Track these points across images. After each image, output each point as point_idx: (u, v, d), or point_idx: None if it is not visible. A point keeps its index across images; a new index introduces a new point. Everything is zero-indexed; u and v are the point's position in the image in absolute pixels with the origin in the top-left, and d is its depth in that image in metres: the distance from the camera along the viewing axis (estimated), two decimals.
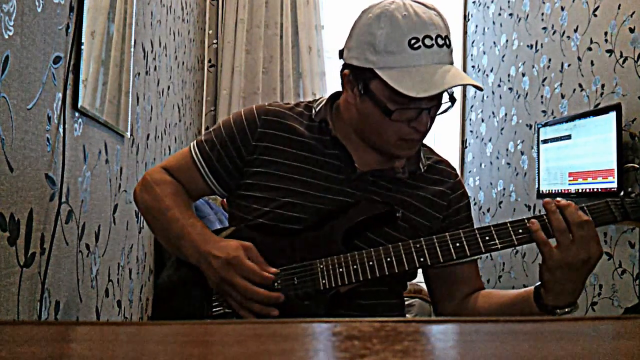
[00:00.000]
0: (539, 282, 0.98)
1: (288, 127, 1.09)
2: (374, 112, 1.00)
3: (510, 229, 0.95)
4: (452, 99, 1.03)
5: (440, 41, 0.97)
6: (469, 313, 1.10)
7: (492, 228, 0.96)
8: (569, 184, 2.74)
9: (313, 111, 1.11)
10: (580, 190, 2.63)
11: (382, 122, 1.00)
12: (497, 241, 0.95)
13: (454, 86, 0.96)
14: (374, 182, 1.08)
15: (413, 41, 0.95)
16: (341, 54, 1.07)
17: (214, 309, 1.02)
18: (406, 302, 1.98)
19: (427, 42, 0.95)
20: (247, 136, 1.08)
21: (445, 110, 1.04)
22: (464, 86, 4.33)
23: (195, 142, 1.14)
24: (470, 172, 4.25)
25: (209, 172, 1.11)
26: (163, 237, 1.10)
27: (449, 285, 1.14)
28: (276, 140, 1.08)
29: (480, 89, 0.99)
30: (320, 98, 1.15)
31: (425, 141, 1.23)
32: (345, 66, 1.05)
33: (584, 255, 0.91)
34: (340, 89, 1.12)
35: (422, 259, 0.96)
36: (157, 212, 1.09)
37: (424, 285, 1.29)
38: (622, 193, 0.98)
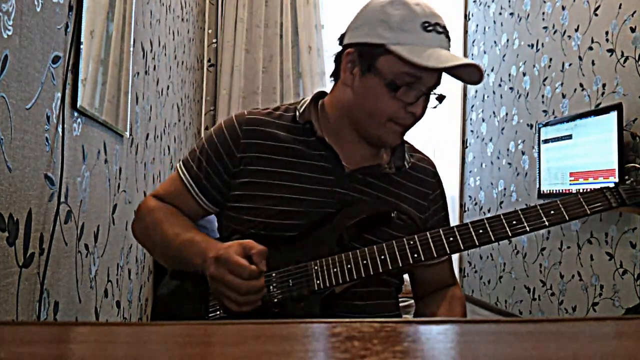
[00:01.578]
0: None
1: (270, 134, 1.08)
2: (376, 90, 1.01)
3: (504, 221, 0.94)
4: (441, 97, 1.06)
5: (447, 32, 1.03)
6: (427, 309, 1.16)
7: (485, 221, 0.95)
8: (570, 184, 2.74)
9: (297, 113, 1.10)
10: (581, 190, 2.63)
11: (381, 99, 1.02)
12: (490, 234, 0.94)
13: (467, 63, 1.00)
14: (363, 180, 1.08)
15: (426, 24, 1.00)
16: (341, 39, 1.08)
17: (210, 314, 1.02)
18: (406, 303, 1.98)
19: (439, 28, 1.01)
20: (231, 149, 1.07)
21: (435, 107, 1.07)
22: (464, 86, 4.33)
23: (181, 162, 1.13)
24: (470, 172, 4.24)
25: (199, 192, 1.10)
26: (167, 259, 1.09)
27: (425, 284, 1.19)
28: (260, 149, 1.07)
29: (480, 79, 1.02)
30: (303, 99, 1.14)
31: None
32: (348, 46, 1.05)
33: None
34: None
35: (415, 255, 0.95)
36: (156, 235, 1.08)
37: None
38: (617, 181, 0.97)
